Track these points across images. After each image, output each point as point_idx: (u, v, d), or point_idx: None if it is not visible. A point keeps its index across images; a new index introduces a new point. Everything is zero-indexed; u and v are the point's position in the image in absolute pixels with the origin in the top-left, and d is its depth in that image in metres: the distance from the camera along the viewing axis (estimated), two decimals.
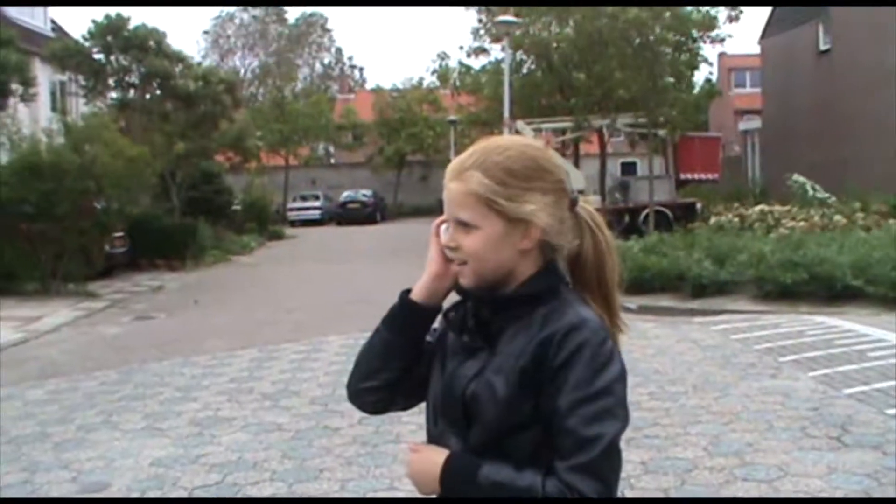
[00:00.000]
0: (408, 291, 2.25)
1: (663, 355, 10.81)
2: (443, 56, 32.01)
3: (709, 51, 29.00)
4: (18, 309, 17.03)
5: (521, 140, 2.24)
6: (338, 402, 9.14)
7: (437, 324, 2.29)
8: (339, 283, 21.31)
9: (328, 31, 77.41)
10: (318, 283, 21.85)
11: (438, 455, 2.10)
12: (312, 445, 7.65)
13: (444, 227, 2.19)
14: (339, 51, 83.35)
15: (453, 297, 2.26)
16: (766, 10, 37.56)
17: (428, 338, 2.28)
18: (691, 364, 10.22)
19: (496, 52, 30.58)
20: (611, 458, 2.00)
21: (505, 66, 23.11)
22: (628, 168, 45.31)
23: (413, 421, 8.21)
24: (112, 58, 28.21)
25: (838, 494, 5.96)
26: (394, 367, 2.24)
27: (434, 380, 2.23)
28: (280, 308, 17.16)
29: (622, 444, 2.04)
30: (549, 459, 2.00)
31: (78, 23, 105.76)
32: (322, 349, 12.34)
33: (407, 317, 2.23)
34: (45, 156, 19.62)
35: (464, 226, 2.09)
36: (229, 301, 18.87)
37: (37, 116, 26.56)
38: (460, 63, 31.78)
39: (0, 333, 14.71)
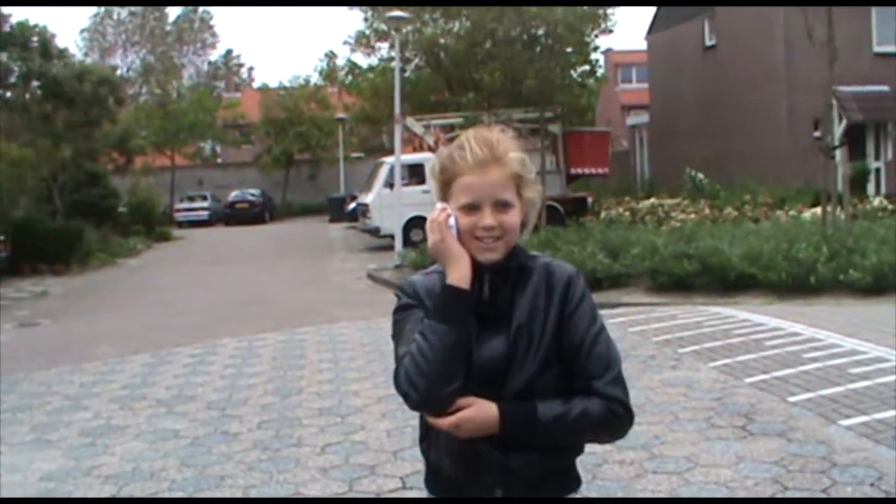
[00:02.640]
0: (450, 286, 2.38)
1: None
2: (330, 55, 31.80)
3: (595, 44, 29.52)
4: None
5: (494, 129, 2.53)
6: (235, 406, 8.91)
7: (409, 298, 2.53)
8: (230, 285, 20.90)
9: (211, 27, 76.19)
10: (209, 284, 21.38)
11: (490, 406, 2.35)
12: (212, 452, 7.39)
13: (452, 218, 2.40)
14: (229, 51, 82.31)
15: None
16: (651, 7, 38.16)
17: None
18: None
19: (384, 49, 30.48)
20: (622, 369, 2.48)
21: (395, 62, 22.93)
22: None
23: (313, 423, 8.03)
24: None
25: (749, 483, 5.95)
26: (464, 359, 2.37)
27: None
28: (170, 311, 16.74)
29: None
30: (562, 390, 2.40)
31: None
32: (216, 352, 12.02)
33: (466, 306, 2.37)
34: None
35: (503, 206, 2.40)
36: (118, 305, 18.33)
37: None
38: (348, 60, 31.55)
39: None
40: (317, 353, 11.57)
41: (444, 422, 2.34)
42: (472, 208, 2.39)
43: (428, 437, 2.51)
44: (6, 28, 26.91)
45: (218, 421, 8.36)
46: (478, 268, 2.41)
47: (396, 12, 21.31)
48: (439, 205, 2.42)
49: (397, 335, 2.47)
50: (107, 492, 6.56)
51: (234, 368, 10.84)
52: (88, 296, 20.18)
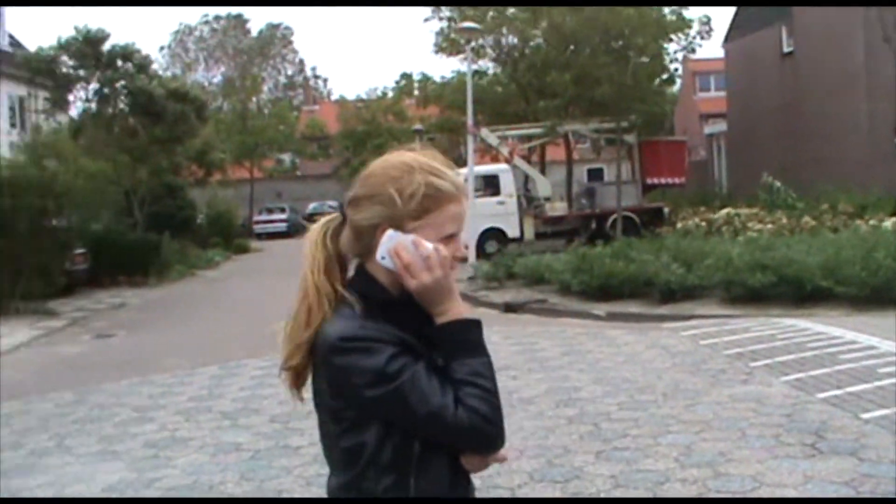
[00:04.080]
0: (476, 320, 2.23)
1: (633, 363, 10.60)
2: (406, 76, 31.97)
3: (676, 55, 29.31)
4: None
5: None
6: (298, 419, 8.87)
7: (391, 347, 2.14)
8: None
9: (290, 42, 76.87)
10: (284, 297, 21.33)
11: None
12: (272, 466, 7.38)
13: (438, 247, 2.17)
14: (301, 62, 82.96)
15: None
16: (729, 14, 37.64)
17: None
18: (661, 371, 10.02)
19: (457, 62, 30.52)
20: None
21: (467, 73, 22.92)
22: (595, 174, 45.20)
23: None
24: (82, 72, 27.72)
25: None
26: None
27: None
28: (244, 323, 16.84)
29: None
30: None
31: (36, 38, 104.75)
32: None
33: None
34: (3, 172, 19.23)
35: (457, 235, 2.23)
36: (192, 317, 18.54)
37: None
38: (423, 74, 31.66)
39: None
40: None
41: (503, 452, 2.23)
42: (451, 238, 2.22)
43: (415, 469, 2.19)
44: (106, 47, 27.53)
45: (280, 434, 8.36)
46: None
47: (468, 23, 21.30)
48: (408, 237, 2.15)
49: (408, 388, 2.11)
50: None
51: None
52: (164, 307, 20.44)
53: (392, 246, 2.13)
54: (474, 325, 2.20)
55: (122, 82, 27.29)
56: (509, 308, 16.22)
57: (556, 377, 10.05)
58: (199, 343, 14.79)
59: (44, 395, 11.01)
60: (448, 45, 30.96)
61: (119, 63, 27.43)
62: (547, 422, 8.18)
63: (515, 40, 28.27)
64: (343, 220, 2.27)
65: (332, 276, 2.25)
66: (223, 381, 11.17)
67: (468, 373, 2.15)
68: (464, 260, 2.25)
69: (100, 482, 7.21)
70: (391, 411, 2.13)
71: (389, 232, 2.14)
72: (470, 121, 21.91)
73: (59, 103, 28.22)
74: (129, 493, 6.88)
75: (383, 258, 2.15)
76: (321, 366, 2.20)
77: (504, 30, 28.39)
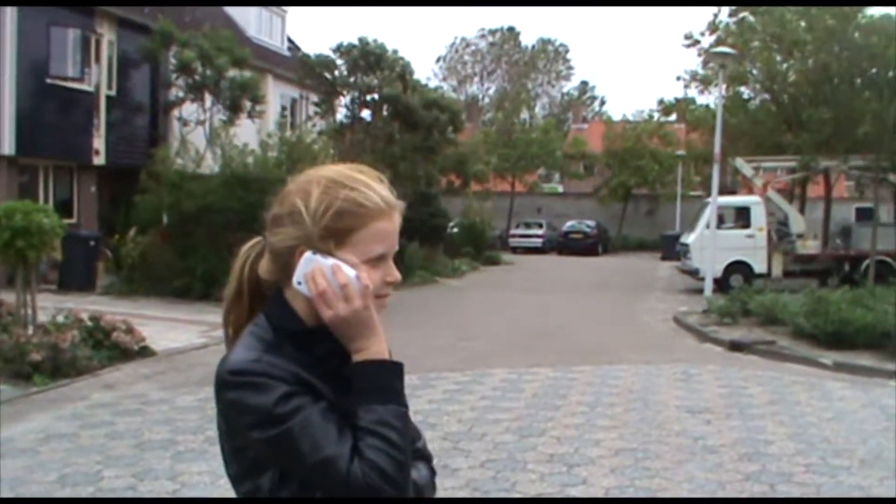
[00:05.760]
0: (394, 362, 1.96)
1: (840, 421, 9.81)
2: (664, 101, 31.21)
3: None
4: (211, 314, 17.35)
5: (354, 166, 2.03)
6: (470, 440, 8.76)
7: (283, 385, 1.86)
8: (533, 314, 20.82)
9: (567, 59, 77.33)
10: (512, 312, 21.41)
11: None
12: None
13: (361, 274, 1.90)
14: (584, 83, 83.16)
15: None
16: None
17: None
18: (868, 435, 9.19)
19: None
20: None
21: (717, 101, 22.10)
22: (865, 213, 42.67)
23: (537, 469, 7.72)
24: (353, 79, 28.80)
25: None
26: None
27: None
28: (462, 335, 16.87)
29: None
30: None
31: (311, 44, 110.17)
32: (482, 381, 11.94)
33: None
34: (252, 168, 20.13)
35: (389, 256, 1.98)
36: (416, 324, 18.68)
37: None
38: (685, 98, 30.91)
39: (185, 338, 15.14)
40: (579, 395, 11.20)
41: None
42: (381, 259, 1.96)
43: None
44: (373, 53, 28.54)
45: (447, 454, 8.21)
46: None
47: (723, 48, 20.56)
48: (328, 261, 1.89)
49: (298, 432, 1.85)
50: None
51: (490, 401, 10.69)
52: (394, 313, 20.47)
53: (308, 270, 1.88)
54: (391, 368, 1.93)
55: (383, 90, 28.06)
56: (734, 347, 15.45)
57: (751, 427, 9.43)
58: (412, 351, 14.78)
59: None
60: (694, 80, 30.25)
61: (382, 72, 28.24)
62: (722, 475, 7.66)
63: (774, 68, 27.04)
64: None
65: (241, 306, 2.06)
66: (416, 391, 11.11)
67: (373, 420, 1.86)
68: (395, 284, 1.98)
69: None
70: (280, 457, 1.88)
71: (307, 254, 1.89)
72: (717, 149, 21.12)
73: (327, 107, 29.37)
74: None
75: (299, 283, 1.89)
76: (216, 399, 1.97)
77: (765, 56, 27.26)
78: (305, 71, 29.32)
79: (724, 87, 22.24)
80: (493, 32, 74.51)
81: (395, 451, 1.86)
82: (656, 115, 50.30)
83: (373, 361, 1.91)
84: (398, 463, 1.86)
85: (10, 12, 20.96)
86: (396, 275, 1.97)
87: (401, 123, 28.95)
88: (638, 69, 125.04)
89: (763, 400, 10.96)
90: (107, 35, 24.60)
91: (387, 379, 1.93)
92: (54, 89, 22.61)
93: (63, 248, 13.98)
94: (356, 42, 28.54)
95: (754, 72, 28.67)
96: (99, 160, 24.59)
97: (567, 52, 77.83)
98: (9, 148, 21.27)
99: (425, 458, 2.13)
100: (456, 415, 9.85)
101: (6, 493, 6.96)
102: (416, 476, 2.01)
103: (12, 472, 7.49)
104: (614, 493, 7.10)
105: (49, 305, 14.03)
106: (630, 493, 7.11)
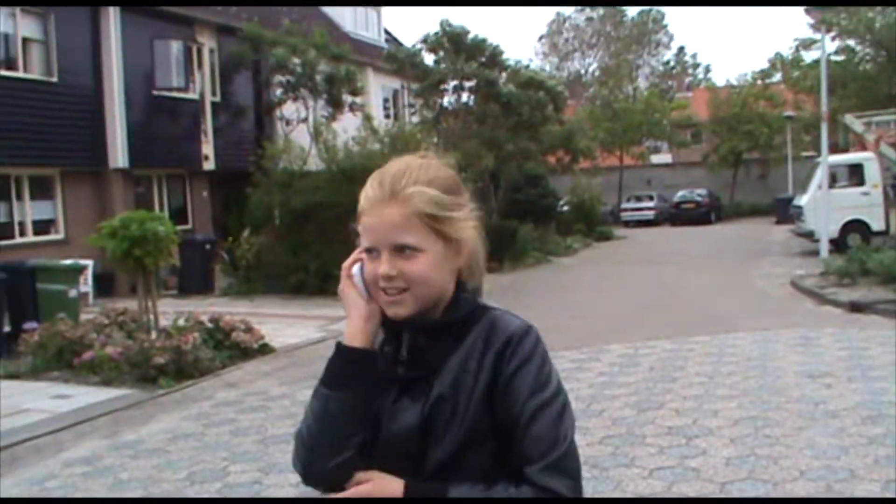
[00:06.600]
0: (338, 344, 2.08)
1: None
2: (777, 57, 30.48)
3: None
4: (329, 308, 17.64)
5: (427, 157, 2.14)
6: (588, 417, 8.79)
7: None
8: (648, 287, 20.63)
9: (664, 26, 76.10)
10: (628, 285, 21.25)
11: (393, 483, 1.99)
12: None
13: (357, 265, 2.08)
14: (681, 49, 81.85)
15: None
16: None
17: None
18: None
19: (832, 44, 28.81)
20: (575, 455, 2.00)
21: (821, 55, 21.49)
22: None
23: (656, 443, 7.69)
24: (444, 66, 28.86)
25: None
26: (358, 429, 2.04)
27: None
28: (574, 312, 16.81)
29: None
30: (502, 470, 1.97)
31: (409, 34, 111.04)
32: (598, 358, 11.91)
33: (355, 367, 2.04)
34: (357, 161, 20.35)
35: (404, 250, 2.00)
36: (528, 304, 18.54)
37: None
38: (791, 56, 30.15)
39: (303, 333, 15.41)
40: (697, 366, 11.08)
41: (336, 497, 2.04)
42: (372, 254, 2.04)
43: None
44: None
45: None
46: (398, 323, 2.06)
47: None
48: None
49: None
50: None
51: (608, 377, 10.66)
52: (507, 293, 20.74)
53: None
54: (336, 351, 2.06)
55: (476, 75, 28.03)
56: (855, 308, 15.10)
57: (875, 389, 9.21)
58: None
59: None
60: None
61: (474, 57, 28.21)
62: (845, 440, 7.50)
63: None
64: None
65: None
66: None
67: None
68: (387, 279, 2.01)
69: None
70: None
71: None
72: (824, 107, 20.60)
73: (426, 96, 29.48)
74: None
75: None
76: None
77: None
78: (396, 63, 29.49)
79: (831, 40, 21.66)
80: (593, 8, 73.89)
81: (303, 428, 2.08)
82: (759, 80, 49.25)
83: (336, 343, 2.10)
84: (301, 440, 2.10)
85: (115, 30, 21.57)
86: (381, 269, 2.00)
87: (499, 106, 28.90)
88: (737, 34, 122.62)
89: (885, 361, 10.68)
90: (207, 43, 25.14)
91: (330, 360, 2.08)
92: (161, 100, 23.22)
93: (180, 253, 14.40)
94: (438, 30, 28.53)
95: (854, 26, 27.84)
96: (209, 165, 25.20)
97: (663, 19, 76.60)
98: (123, 161, 21.90)
99: (532, 484, 1.96)
100: (573, 392, 9.78)
101: (139, 493, 7.21)
102: (511, 495, 1.95)
103: (145, 471, 7.76)
104: (735, 464, 7.02)
105: (170, 310, 14.46)
106: (751, 462, 7.02)
